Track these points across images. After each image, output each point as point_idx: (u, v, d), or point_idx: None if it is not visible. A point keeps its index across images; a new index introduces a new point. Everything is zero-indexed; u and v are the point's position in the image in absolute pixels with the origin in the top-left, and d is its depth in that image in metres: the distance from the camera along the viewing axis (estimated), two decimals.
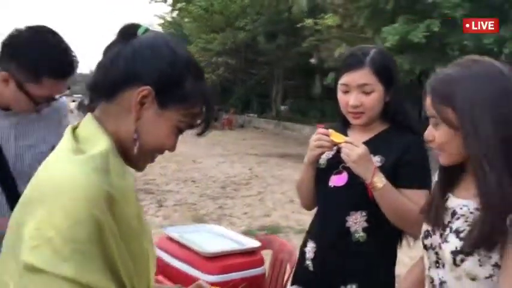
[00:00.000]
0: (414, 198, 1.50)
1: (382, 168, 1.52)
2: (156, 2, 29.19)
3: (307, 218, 2.01)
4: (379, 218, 1.53)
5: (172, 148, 0.97)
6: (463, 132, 1.11)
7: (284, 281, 2.30)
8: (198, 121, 0.97)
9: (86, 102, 0.96)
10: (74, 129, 0.92)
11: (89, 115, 0.92)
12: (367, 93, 1.56)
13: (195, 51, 23.54)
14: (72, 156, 0.84)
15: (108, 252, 0.79)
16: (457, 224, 1.17)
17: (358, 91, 1.56)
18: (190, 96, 0.93)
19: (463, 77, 1.13)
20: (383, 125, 1.66)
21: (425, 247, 1.27)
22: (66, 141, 0.89)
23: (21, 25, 1.53)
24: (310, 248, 1.69)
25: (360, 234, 1.58)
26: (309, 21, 17.18)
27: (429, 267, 1.26)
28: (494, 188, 1.06)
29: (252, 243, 2.34)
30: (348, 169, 1.55)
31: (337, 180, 1.61)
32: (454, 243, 1.15)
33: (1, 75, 1.50)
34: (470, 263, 1.11)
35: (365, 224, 1.57)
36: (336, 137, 1.56)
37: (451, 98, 1.12)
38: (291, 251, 2.35)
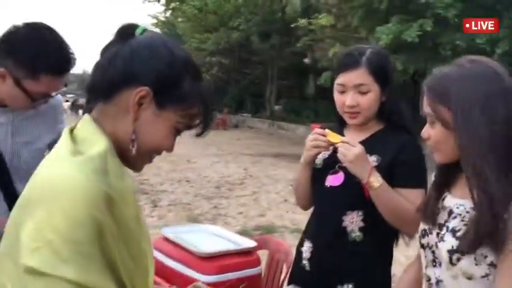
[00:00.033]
0: (410, 198, 1.51)
1: (379, 168, 1.53)
2: (149, 1, 29.11)
3: (301, 217, 2.02)
4: (375, 217, 1.53)
5: (170, 149, 0.96)
6: (457, 132, 1.11)
7: (280, 281, 2.29)
8: (196, 122, 0.97)
9: (80, 102, 0.96)
10: (72, 130, 0.91)
11: (86, 116, 0.92)
12: (363, 93, 1.57)
13: (189, 51, 23.44)
14: (71, 157, 0.83)
15: (108, 253, 0.79)
16: (453, 223, 1.17)
17: (355, 91, 1.57)
18: (188, 96, 0.92)
19: (459, 76, 1.14)
20: (379, 124, 1.66)
21: (422, 246, 1.28)
22: (64, 142, 0.88)
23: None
24: (307, 248, 1.69)
25: (357, 234, 1.58)
26: (302, 21, 17.19)
27: (426, 266, 1.27)
28: (487, 188, 1.07)
29: (248, 243, 2.34)
30: (344, 169, 1.55)
31: (334, 180, 1.61)
32: (450, 242, 1.15)
33: None
34: (466, 262, 1.12)
35: (361, 224, 1.58)
36: (333, 137, 1.56)
37: (447, 97, 1.13)
38: (287, 251, 2.35)
